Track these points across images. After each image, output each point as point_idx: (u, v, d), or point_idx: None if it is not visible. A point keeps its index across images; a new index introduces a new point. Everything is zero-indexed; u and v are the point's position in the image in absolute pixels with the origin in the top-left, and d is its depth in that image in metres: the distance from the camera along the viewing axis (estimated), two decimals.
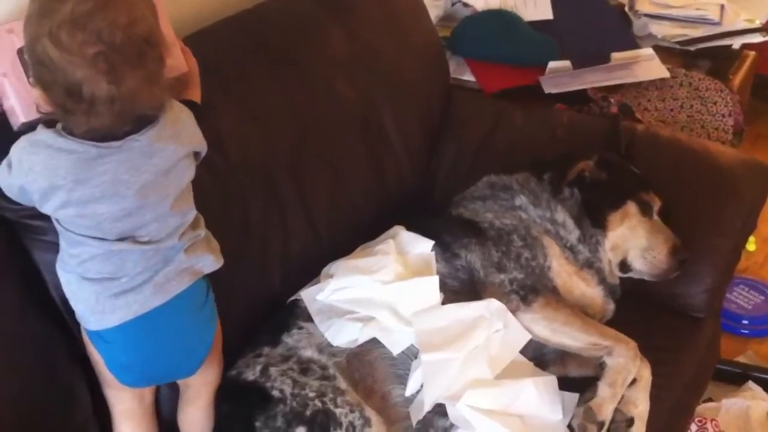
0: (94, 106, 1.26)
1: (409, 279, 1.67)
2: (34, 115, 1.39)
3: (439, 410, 1.59)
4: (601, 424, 1.60)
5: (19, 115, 1.42)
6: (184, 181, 1.43)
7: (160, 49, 1.31)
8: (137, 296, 1.40)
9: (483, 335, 1.59)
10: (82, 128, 1.29)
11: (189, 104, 1.48)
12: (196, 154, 1.47)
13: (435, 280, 1.67)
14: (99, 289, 1.40)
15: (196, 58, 1.58)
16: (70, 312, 1.49)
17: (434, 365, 1.56)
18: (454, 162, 2.22)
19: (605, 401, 1.62)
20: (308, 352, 1.62)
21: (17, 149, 1.34)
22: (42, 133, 1.33)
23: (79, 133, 1.30)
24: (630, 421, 1.65)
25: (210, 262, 1.48)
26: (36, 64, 1.26)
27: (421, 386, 1.59)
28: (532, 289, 1.73)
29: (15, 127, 1.42)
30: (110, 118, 1.28)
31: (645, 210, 1.91)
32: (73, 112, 1.27)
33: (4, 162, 1.36)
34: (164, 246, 1.41)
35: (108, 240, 1.37)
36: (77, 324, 1.49)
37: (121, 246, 1.38)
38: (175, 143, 1.38)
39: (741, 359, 2.71)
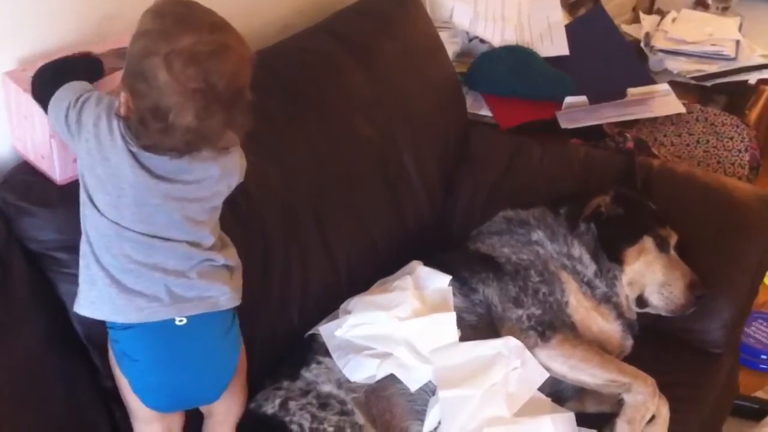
0: (170, 130, 1.32)
1: (426, 315, 1.68)
2: (71, 174, 1.49)
3: None
4: None
5: (57, 177, 1.51)
6: (208, 203, 1.48)
7: (247, 101, 1.37)
8: (151, 303, 1.43)
9: (501, 373, 1.59)
10: (147, 142, 1.36)
11: None
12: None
13: (452, 316, 1.68)
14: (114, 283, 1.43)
15: None
16: (94, 345, 1.51)
17: (452, 402, 1.57)
18: (471, 197, 2.24)
19: None
20: (327, 387, 1.63)
21: (90, 110, 1.39)
22: (115, 122, 1.39)
23: (141, 144, 1.37)
24: None
25: (227, 296, 1.50)
26: (136, 74, 1.32)
27: (439, 423, 1.59)
28: (550, 325, 1.74)
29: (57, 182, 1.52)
30: (179, 144, 1.35)
31: (662, 245, 1.91)
32: (148, 127, 1.33)
33: (69, 103, 1.41)
34: (177, 247, 1.44)
35: (122, 226, 1.41)
36: (101, 357, 1.51)
37: (135, 236, 1.42)
38: (216, 167, 1.44)
39: (760, 394, 2.69)
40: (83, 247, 1.45)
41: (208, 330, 1.49)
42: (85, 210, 1.44)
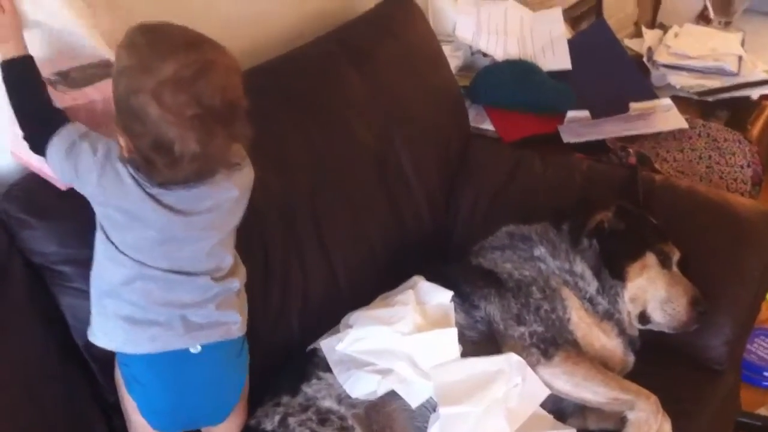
0: (178, 162, 1.30)
1: (427, 330, 1.68)
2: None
3: None
4: None
5: (60, 181, 1.49)
6: (231, 224, 1.47)
7: (244, 109, 1.35)
8: (165, 332, 1.43)
9: (502, 389, 1.59)
10: (160, 179, 1.34)
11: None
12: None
13: (454, 332, 1.67)
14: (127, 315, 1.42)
15: None
16: (95, 359, 1.51)
17: (453, 419, 1.56)
18: (473, 208, 2.23)
19: None
20: (327, 403, 1.62)
21: (88, 162, 1.37)
22: (121, 168, 1.36)
23: (155, 183, 1.35)
24: None
25: (238, 324, 1.50)
26: (128, 115, 1.29)
27: None
28: (552, 343, 1.73)
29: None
30: (190, 173, 1.33)
31: (664, 261, 1.90)
32: (155, 164, 1.31)
33: (68, 149, 1.38)
34: (198, 281, 1.43)
35: (146, 264, 1.40)
36: (101, 370, 1.51)
37: (158, 273, 1.41)
38: (235, 188, 1.44)
39: (762, 411, 2.68)
40: (97, 281, 1.44)
41: (221, 356, 1.49)
42: (100, 245, 1.42)
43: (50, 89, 1.43)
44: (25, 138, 1.41)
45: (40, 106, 1.39)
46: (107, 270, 1.42)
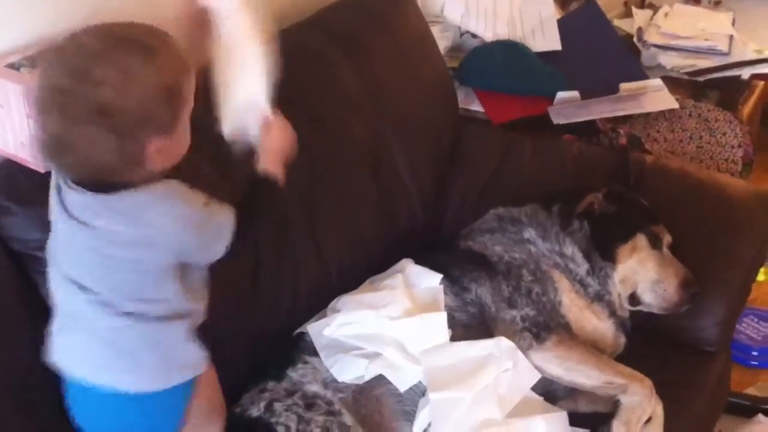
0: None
1: (417, 315, 1.66)
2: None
3: None
4: None
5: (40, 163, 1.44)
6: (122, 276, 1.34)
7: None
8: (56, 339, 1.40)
9: (492, 374, 1.58)
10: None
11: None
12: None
13: (443, 316, 1.66)
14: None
15: (208, 93, 1.59)
16: None
17: (443, 404, 1.55)
18: (463, 195, 2.22)
19: None
20: (313, 387, 1.61)
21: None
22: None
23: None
24: None
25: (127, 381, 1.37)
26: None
27: (429, 425, 1.57)
28: (544, 327, 1.72)
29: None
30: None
31: (654, 243, 1.90)
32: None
33: None
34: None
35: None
36: None
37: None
38: (128, 227, 1.30)
39: (751, 391, 2.68)
40: None
41: (102, 402, 1.40)
42: None
43: (13, 72, 1.40)
44: None
45: None
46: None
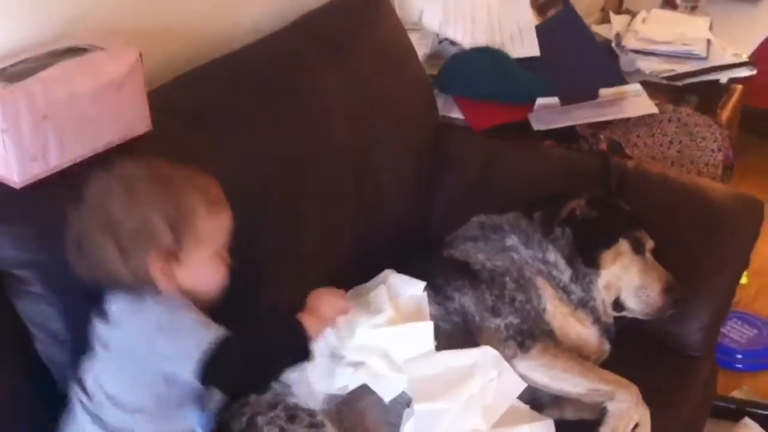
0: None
1: (401, 324, 1.64)
2: (30, 174, 1.44)
3: None
4: None
5: (15, 177, 1.43)
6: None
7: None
8: None
9: (478, 384, 1.56)
10: None
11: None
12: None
13: (430, 325, 1.64)
14: None
15: (189, 100, 1.57)
16: (55, 366, 1.46)
17: (428, 415, 1.53)
18: (447, 201, 2.21)
19: None
20: (295, 399, 1.58)
21: None
22: None
23: None
24: None
25: None
26: None
27: None
28: (529, 335, 1.71)
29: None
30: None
31: (637, 248, 1.89)
32: None
33: None
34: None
35: None
36: (63, 380, 1.46)
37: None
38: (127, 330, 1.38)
39: (736, 394, 2.68)
40: None
41: None
42: None
43: None
44: None
45: None
46: None
